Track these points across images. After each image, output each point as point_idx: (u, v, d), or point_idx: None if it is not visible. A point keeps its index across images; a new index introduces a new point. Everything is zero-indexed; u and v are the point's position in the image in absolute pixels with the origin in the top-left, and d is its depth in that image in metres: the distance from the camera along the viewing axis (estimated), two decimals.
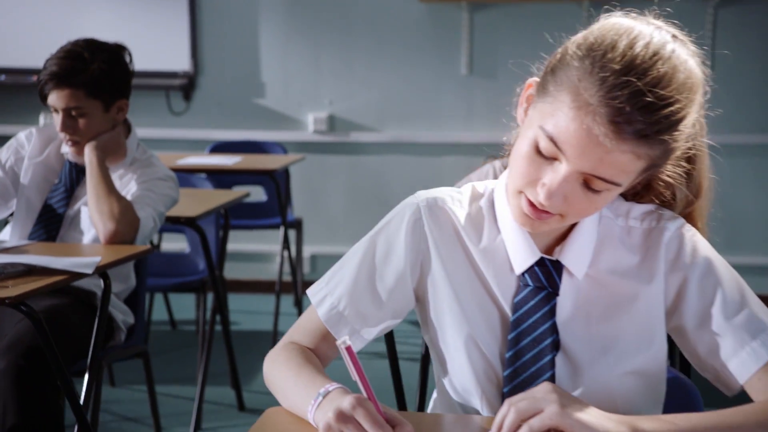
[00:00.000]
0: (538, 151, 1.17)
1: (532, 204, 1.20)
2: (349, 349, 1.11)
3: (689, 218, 1.32)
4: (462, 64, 4.78)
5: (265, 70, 4.99)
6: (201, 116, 5.06)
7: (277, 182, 4.13)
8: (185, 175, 3.72)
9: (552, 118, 1.15)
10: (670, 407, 1.33)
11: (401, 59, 4.86)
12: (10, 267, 2.10)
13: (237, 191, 3.51)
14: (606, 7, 1.26)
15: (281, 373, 1.32)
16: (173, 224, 2.97)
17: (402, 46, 4.85)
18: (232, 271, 4.99)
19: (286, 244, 4.37)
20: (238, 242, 5.02)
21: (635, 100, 1.11)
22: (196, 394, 3.18)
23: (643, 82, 1.11)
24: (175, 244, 4.61)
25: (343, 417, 1.11)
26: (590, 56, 1.14)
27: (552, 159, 1.17)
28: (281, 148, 4.72)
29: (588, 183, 1.17)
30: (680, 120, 1.15)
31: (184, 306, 4.59)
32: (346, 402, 1.12)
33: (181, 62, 4.97)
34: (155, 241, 4.34)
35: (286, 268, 4.75)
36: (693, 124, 1.20)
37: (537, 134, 1.17)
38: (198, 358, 3.46)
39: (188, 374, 3.74)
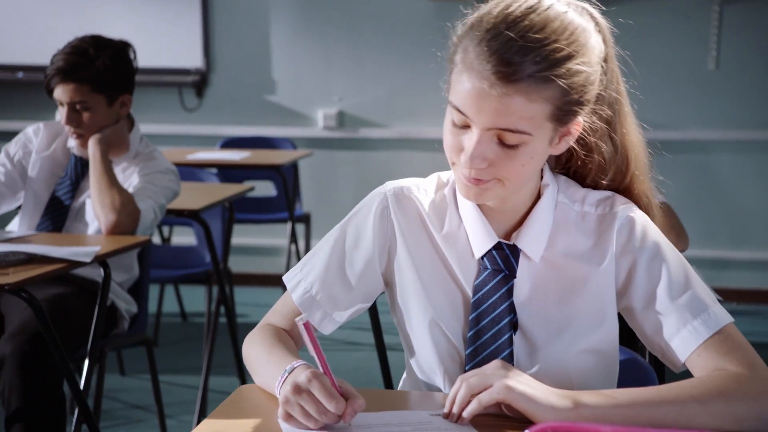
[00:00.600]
0: (454, 124, 1.27)
1: (466, 175, 1.28)
2: (306, 325, 1.18)
3: (629, 191, 1.37)
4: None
5: (275, 67, 5.08)
6: (213, 112, 5.15)
7: (285, 177, 4.20)
8: (193, 170, 3.80)
9: (453, 90, 1.26)
10: (626, 386, 1.38)
11: (409, 56, 4.92)
12: (11, 255, 2.19)
13: (240, 185, 3.58)
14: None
15: (255, 352, 1.39)
16: (177, 216, 3.06)
17: (410, 44, 4.91)
18: (241, 265, 5.08)
19: (293, 238, 4.45)
20: (248, 236, 5.11)
21: (508, 46, 1.20)
22: (201, 383, 3.26)
23: (514, 31, 1.21)
24: (185, 237, 4.71)
25: (298, 390, 1.18)
26: (470, 26, 1.26)
27: (466, 127, 1.26)
28: (291, 143, 4.80)
29: (501, 139, 1.24)
30: (562, 59, 1.21)
31: (195, 299, 4.68)
32: (302, 376, 1.19)
33: (194, 59, 5.06)
34: (165, 234, 4.44)
35: (294, 261, 4.83)
36: (594, 67, 1.25)
37: (450, 110, 1.27)
38: (203, 349, 3.55)
39: (196, 364, 3.82)
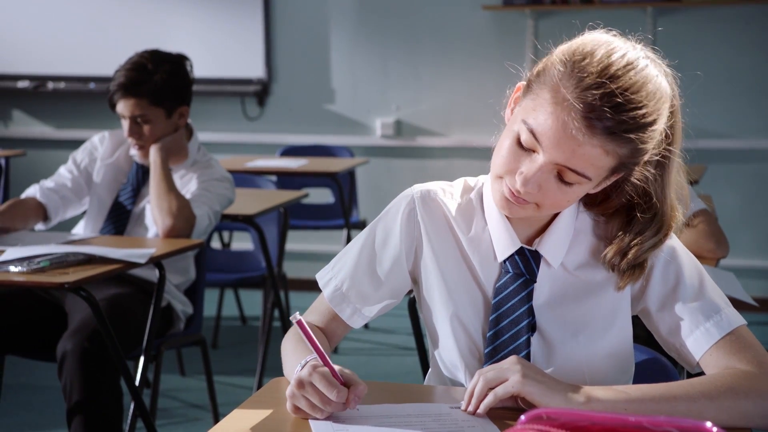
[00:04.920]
0: (519, 143, 1.31)
1: (510, 190, 1.32)
2: (299, 323, 1.26)
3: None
4: (526, 70, 4.86)
5: (335, 76, 5.18)
6: (274, 121, 5.28)
7: (341, 184, 4.28)
8: (251, 177, 3.91)
9: (533, 113, 1.28)
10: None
11: (466, 65, 4.98)
12: (72, 256, 2.31)
13: (295, 192, 3.67)
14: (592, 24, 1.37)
15: (285, 347, 1.48)
16: (232, 222, 3.16)
17: (467, 53, 4.97)
18: (299, 270, 5.18)
19: None
20: (306, 242, 5.21)
21: (607, 99, 1.23)
22: (254, 384, 3.36)
23: (615, 85, 1.24)
24: (244, 243, 4.83)
25: (301, 384, 1.26)
26: (571, 60, 1.28)
27: (531, 151, 1.30)
28: (348, 151, 4.89)
29: (561, 175, 1.29)
30: (647, 124, 1.26)
31: (254, 303, 4.79)
32: (304, 371, 1.26)
33: (256, 70, 5.19)
34: (225, 239, 4.56)
35: None
36: (662, 132, 1.30)
37: (520, 128, 1.30)
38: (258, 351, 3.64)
39: (253, 366, 3.92)
